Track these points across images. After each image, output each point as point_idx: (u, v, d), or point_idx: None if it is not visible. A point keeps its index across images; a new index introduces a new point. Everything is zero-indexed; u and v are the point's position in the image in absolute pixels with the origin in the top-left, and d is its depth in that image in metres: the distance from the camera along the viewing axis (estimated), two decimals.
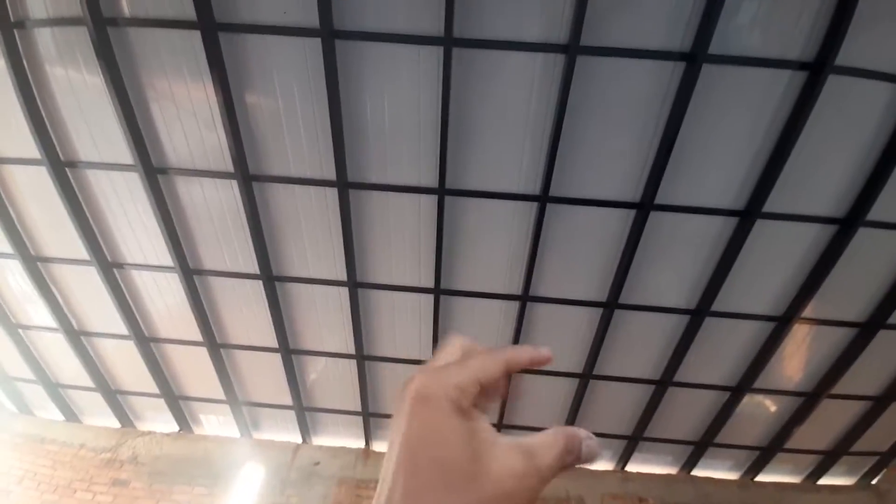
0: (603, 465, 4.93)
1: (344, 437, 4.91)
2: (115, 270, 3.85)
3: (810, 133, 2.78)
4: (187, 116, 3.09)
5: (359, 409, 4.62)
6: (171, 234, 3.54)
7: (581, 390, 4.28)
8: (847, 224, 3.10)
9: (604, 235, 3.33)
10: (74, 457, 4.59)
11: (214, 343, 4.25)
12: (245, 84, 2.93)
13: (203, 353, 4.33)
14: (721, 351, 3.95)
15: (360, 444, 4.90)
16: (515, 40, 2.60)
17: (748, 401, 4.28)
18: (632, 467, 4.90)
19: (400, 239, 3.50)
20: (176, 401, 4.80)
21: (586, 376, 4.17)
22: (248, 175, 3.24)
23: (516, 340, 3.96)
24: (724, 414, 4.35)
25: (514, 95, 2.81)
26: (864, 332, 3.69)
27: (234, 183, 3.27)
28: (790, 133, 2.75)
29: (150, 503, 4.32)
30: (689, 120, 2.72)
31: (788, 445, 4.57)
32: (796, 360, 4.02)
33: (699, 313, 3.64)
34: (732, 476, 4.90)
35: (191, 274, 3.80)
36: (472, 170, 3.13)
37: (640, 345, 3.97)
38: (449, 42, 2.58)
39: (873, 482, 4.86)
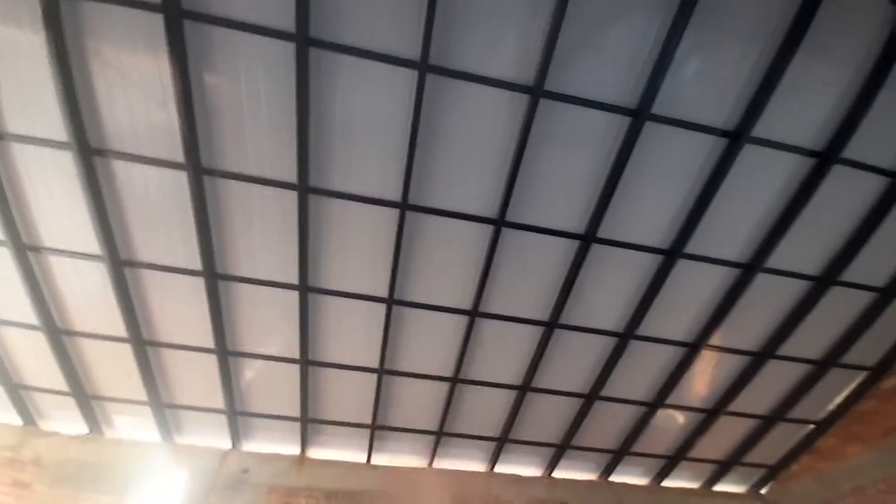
0: (532, 471, 5.23)
1: (278, 444, 4.75)
2: (29, 253, 3.44)
3: (728, 189, 3.24)
4: (136, 95, 2.89)
5: (297, 414, 4.50)
6: (103, 220, 3.26)
7: (519, 401, 4.53)
8: (749, 269, 3.64)
9: (550, 261, 3.60)
10: None
11: (140, 339, 3.94)
12: (207, 70, 2.80)
13: (125, 349, 3.99)
14: (641, 370, 4.40)
15: (296, 450, 4.77)
16: (487, 75, 2.76)
17: (660, 414, 4.79)
18: (558, 473, 5.25)
19: (357, 247, 3.51)
20: (87, 400, 4.36)
21: (524, 388, 4.43)
22: (200, 167, 3.08)
23: (463, 353, 4.11)
24: (639, 426, 4.82)
25: (481, 124, 2.97)
26: (757, 359, 4.32)
27: (184, 174, 3.10)
28: (711, 188, 3.19)
29: None
30: (630, 167, 3.06)
31: (691, 455, 5.17)
32: (702, 380, 4.59)
33: (625, 336, 4.04)
34: (643, 482, 5.43)
35: (121, 265, 3.51)
36: (435, 188, 3.24)
37: (573, 362, 4.31)
38: (424, 68, 2.68)
39: (762, 492, 5.58)
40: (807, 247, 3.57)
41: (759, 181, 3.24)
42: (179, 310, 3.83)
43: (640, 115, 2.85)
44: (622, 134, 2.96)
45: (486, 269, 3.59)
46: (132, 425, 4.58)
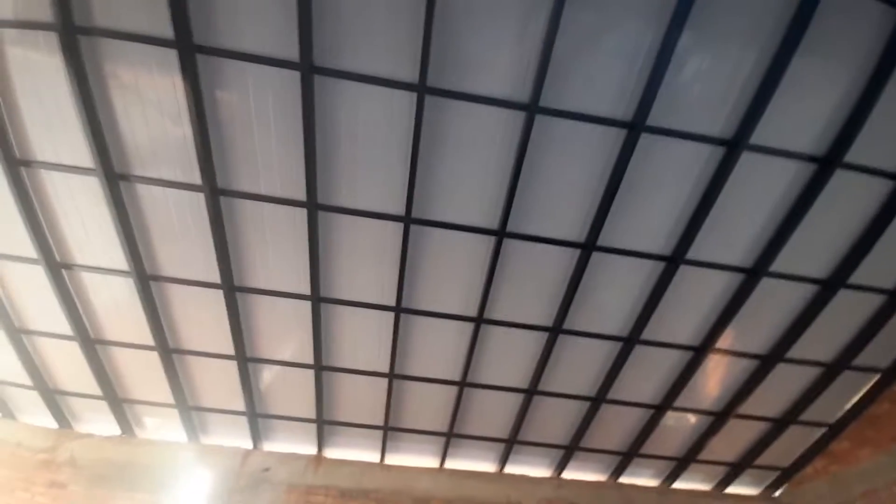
0: (541, 471, 5.32)
1: (295, 444, 4.98)
2: (63, 271, 3.72)
3: (728, 196, 3.25)
4: (154, 118, 3.09)
5: (313, 416, 4.71)
6: (129, 238, 3.49)
7: (526, 404, 4.63)
8: (753, 273, 3.63)
9: (552, 269, 3.68)
10: (12, 455, 4.38)
11: (167, 348, 4.20)
12: (220, 94, 2.97)
13: (153, 357, 4.26)
14: (648, 374, 4.43)
15: (312, 450, 4.99)
16: (484, 95, 2.86)
17: (669, 416, 4.81)
18: (567, 474, 5.33)
19: (365, 259, 3.66)
20: (119, 403, 4.67)
21: (532, 392, 4.53)
22: (216, 189, 3.28)
23: (470, 357, 4.23)
24: (648, 428, 4.86)
25: (480, 140, 3.07)
26: (765, 363, 4.30)
27: (202, 195, 3.30)
28: (710, 196, 3.22)
29: None
30: (628, 177, 3.12)
31: (701, 457, 5.17)
32: (710, 383, 4.59)
33: (630, 341, 4.09)
34: (653, 483, 5.46)
35: (147, 279, 3.75)
36: (438, 202, 3.36)
37: (579, 366, 4.38)
38: (423, 90, 2.80)
39: (775, 494, 5.52)
40: (813, 250, 3.54)
41: (760, 187, 3.24)
42: (201, 319, 4.07)
43: (634, 127, 2.91)
44: (618, 145, 3.02)
45: (490, 278, 3.69)
46: (161, 426, 4.88)
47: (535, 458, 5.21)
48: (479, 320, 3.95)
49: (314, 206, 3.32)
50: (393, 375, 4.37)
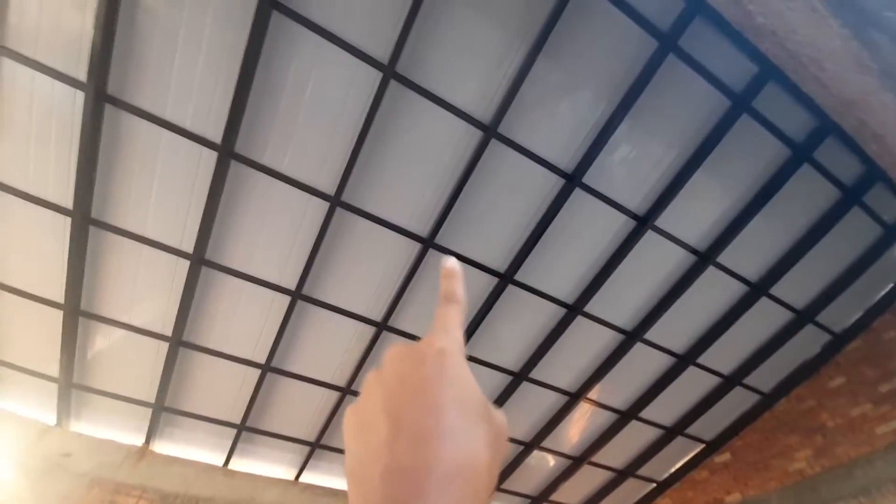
0: None
1: (117, 430, 4.03)
2: None
3: (628, 265, 3.63)
4: None
5: (151, 399, 3.89)
6: None
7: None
8: (631, 336, 4.08)
9: (468, 292, 3.65)
10: None
11: None
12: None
13: None
14: (526, 411, 4.62)
15: (138, 440, 4.09)
16: (449, 101, 2.81)
17: (534, 455, 5.04)
18: None
19: (274, 231, 3.25)
20: None
21: None
22: (103, 93, 2.63)
23: (362, 363, 3.95)
24: (514, 464, 5.02)
25: (432, 145, 2.99)
26: (622, 418, 4.79)
27: (82, 95, 2.62)
28: (615, 260, 3.58)
29: None
30: (554, 224, 3.31)
31: (553, 498, 5.49)
32: (575, 429, 4.95)
33: (520, 376, 4.24)
34: None
35: None
36: (372, 192, 3.15)
37: None
38: (390, 73, 2.64)
39: None
40: (678, 328, 4.12)
41: (653, 264, 3.70)
42: (32, 248, 3.15)
43: (572, 180, 3.13)
44: (555, 192, 3.21)
45: (405, 285, 3.54)
46: None
47: None
48: (383, 326, 3.73)
49: (228, 154, 2.85)
50: (269, 368, 3.86)
